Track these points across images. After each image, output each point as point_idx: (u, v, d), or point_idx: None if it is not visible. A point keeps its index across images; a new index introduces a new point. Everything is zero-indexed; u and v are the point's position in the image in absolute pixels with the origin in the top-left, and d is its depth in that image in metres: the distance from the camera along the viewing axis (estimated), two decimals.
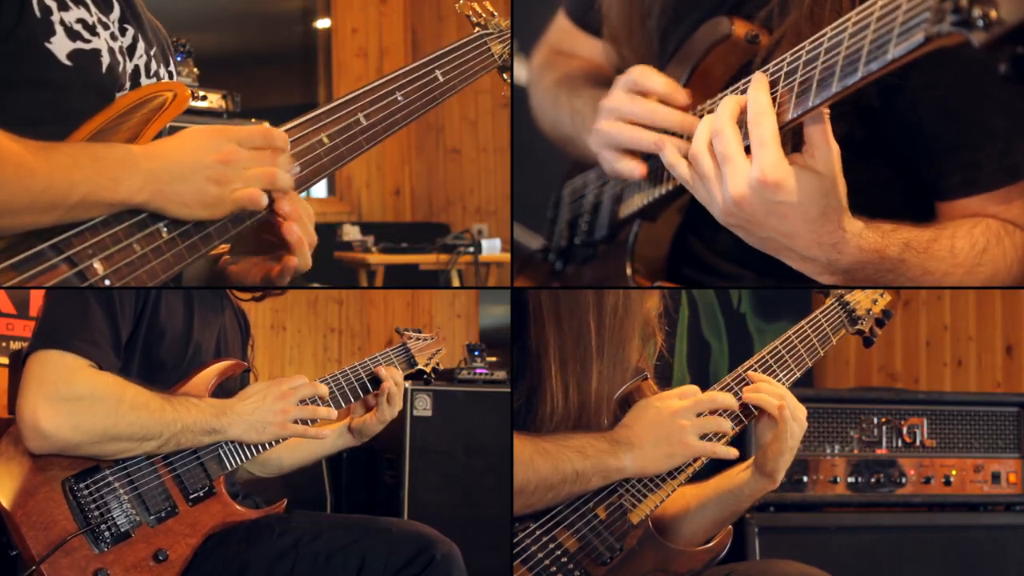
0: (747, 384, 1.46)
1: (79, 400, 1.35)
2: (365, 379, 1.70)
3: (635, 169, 1.53)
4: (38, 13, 1.23)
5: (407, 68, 1.53)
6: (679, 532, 1.50)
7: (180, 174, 1.19)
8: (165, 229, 1.22)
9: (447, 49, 1.60)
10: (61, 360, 1.37)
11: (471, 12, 1.72)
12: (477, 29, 1.71)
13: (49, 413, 1.33)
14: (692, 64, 1.51)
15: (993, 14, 0.95)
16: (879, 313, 1.62)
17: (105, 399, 1.37)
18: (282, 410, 1.53)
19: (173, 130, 1.50)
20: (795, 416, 1.42)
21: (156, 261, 1.21)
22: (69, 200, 1.11)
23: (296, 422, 1.55)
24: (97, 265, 1.16)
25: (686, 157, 1.37)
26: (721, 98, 1.44)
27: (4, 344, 3.29)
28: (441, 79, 1.56)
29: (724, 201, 1.30)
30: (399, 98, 1.49)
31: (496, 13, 1.75)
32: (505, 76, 1.75)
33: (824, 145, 1.27)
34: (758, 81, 1.29)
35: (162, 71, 1.46)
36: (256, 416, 1.51)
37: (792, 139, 1.30)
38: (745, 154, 1.27)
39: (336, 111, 1.42)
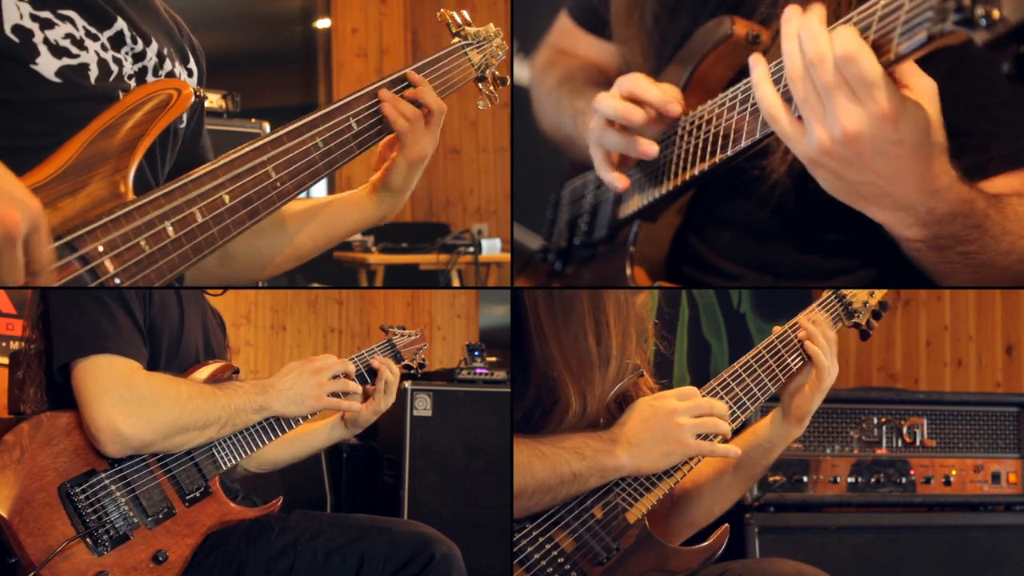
0: (728, 389, 1.47)
1: (143, 399, 1.41)
2: (363, 371, 1.72)
3: (617, 182, 1.54)
4: (17, 39, 1.25)
5: (396, 75, 1.57)
6: (713, 495, 1.53)
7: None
8: (171, 228, 1.24)
9: (430, 59, 1.64)
10: (112, 365, 1.42)
11: (450, 21, 1.75)
12: (456, 39, 1.73)
13: (123, 416, 1.38)
14: (693, 64, 1.52)
15: (995, 13, 0.95)
16: (876, 305, 1.61)
17: (165, 394, 1.43)
18: (318, 384, 1.59)
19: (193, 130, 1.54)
20: (834, 360, 1.48)
21: (163, 261, 1.24)
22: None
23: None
24: (108, 264, 1.17)
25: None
26: (722, 101, 1.44)
27: (4, 344, 3.29)
28: None
29: (832, 137, 1.15)
30: None
31: (472, 23, 1.77)
32: (481, 86, 1.77)
33: (921, 76, 1.18)
34: (817, 16, 1.16)
35: (177, 68, 1.48)
36: (295, 390, 1.57)
37: None
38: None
39: (331, 116, 1.46)
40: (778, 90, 1.23)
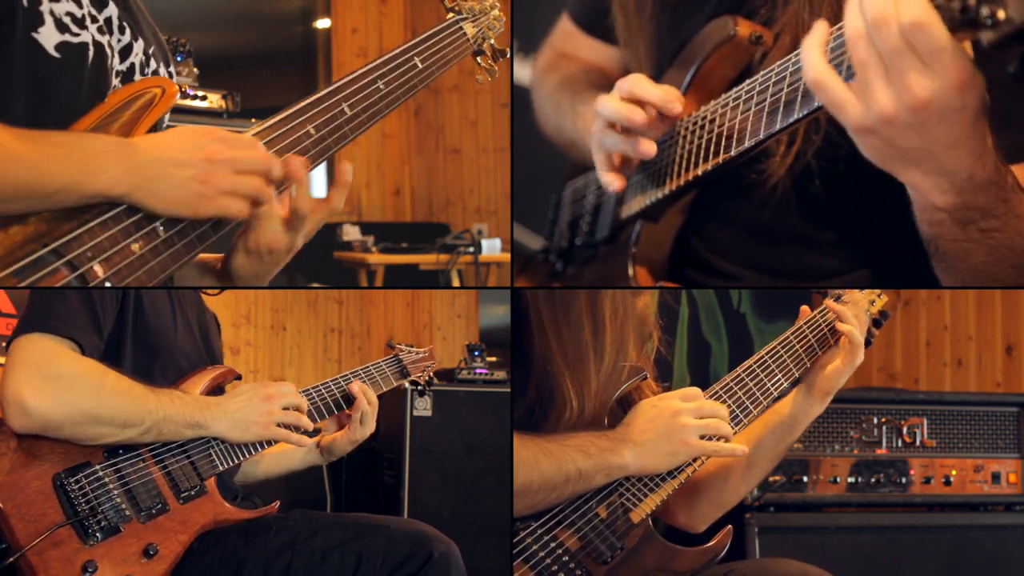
0: (731, 392, 1.48)
1: (60, 378, 1.36)
2: (339, 396, 1.68)
3: (613, 183, 1.54)
4: (26, 2, 1.22)
5: (387, 56, 1.53)
6: (736, 476, 1.55)
7: (163, 170, 1.21)
8: (162, 228, 1.23)
9: (424, 36, 1.60)
10: (42, 342, 1.38)
11: None
12: (451, 15, 1.70)
13: (31, 390, 1.34)
14: (695, 65, 1.52)
15: (1001, 13, 0.95)
16: (876, 314, 1.62)
17: (86, 379, 1.38)
18: (268, 411, 1.54)
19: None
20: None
21: (154, 261, 1.22)
22: (48, 188, 1.12)
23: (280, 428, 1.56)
24: (97, 268, 1.16)
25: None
26: (725, 102, 1.43)
27: (4, 344, 3.29)
28: (420, 65, 1.56)
29: (894, 105, 1.09)
30: (381, 86, 1.49)
31: None
32: (479, 60, 1.74)
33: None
34: None
35: (162, 70, 1.46)
36: (241, 414, 1.51)
37: None
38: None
39: (321, 102, 1.42)
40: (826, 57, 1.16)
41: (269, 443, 1.58)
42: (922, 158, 1.15)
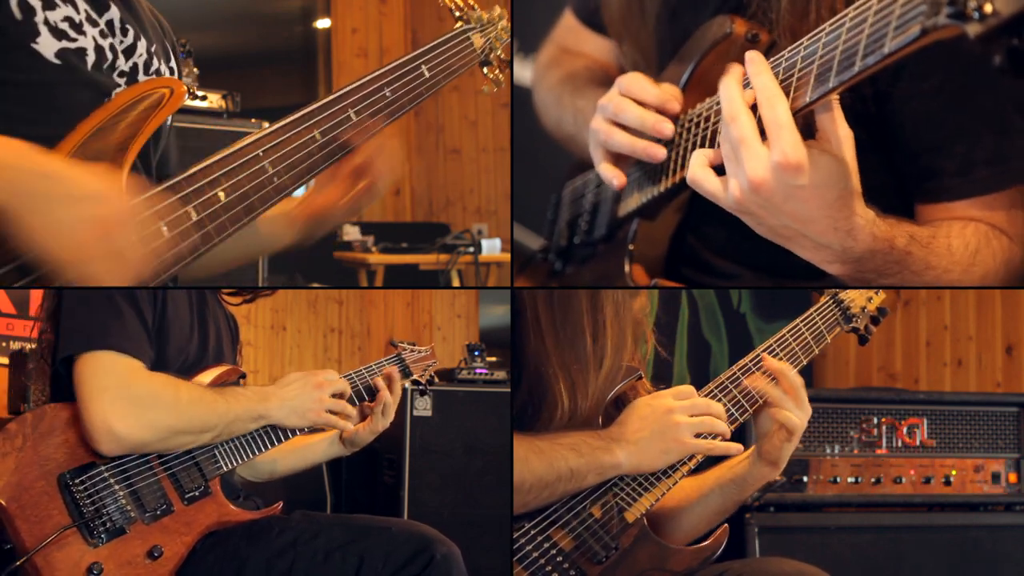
0: (753, 372, 1.46)
1: (141, 400, 1.41)
2: (361, 388, 1.71)
3: (613, 178, 1.54)
4: (19, 15, 1.24)
5: (395, 64, 1.53)
6: (681, 525, 1.51)
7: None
8: (165, 229, 1.23)
9: (432, 45, 1.61)
10: (114, 362, 1.42)
11: (452, 5, 1.72)
12: (459, 24, 1.70)
13: (118, 416, 1.38)
14: (693, 63, 1.52)
15: (988, 7, 0.95)
16: (874, 311, 1.62)
17: (164, 396, 1.43)
18: (319, 399, 1.59)
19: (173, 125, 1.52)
20: (803, 406, 1.44)
21: (156, 261, 1.22)
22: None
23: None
24: None
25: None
26: (719, 99, 1.44)
27: (4, 344, 3.29)
28: (427, 75, 1.57)
29: (741, 186, 1.26)
30: (387, 94, 1.50)
31: (476, 6, 1.74)
32: (486, 71, 1.75)
33: (836, 131, 1.27)
34: (759, 64, 1.27)
35: (163, 67, 1.46)
36: (298, 402, 1.57)
37: (803, 126, 1.28)
38: (760, 138, 1.25)
39: (327, 108, 1.42)
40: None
41: (287, 436, 1.60)
42: (792, 235, 1.31)
